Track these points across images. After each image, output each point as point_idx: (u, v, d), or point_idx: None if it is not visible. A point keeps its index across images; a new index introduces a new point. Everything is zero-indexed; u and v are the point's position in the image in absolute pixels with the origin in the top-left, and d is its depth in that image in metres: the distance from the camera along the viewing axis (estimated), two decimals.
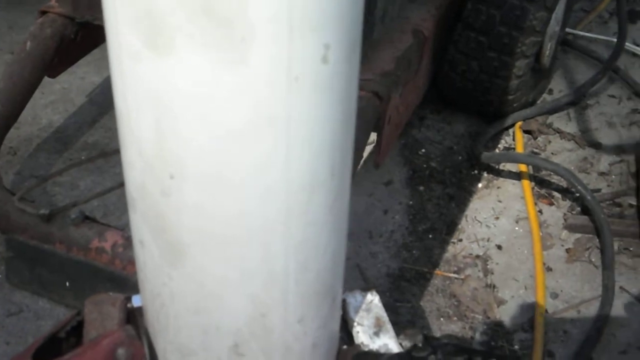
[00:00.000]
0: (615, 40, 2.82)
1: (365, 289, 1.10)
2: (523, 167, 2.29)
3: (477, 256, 2.03)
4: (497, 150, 2.43)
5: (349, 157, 0.67)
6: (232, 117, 0.56)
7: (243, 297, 0.68)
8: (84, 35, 2.05)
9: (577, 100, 2.67)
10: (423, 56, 2.15)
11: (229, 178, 0.59)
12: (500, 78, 2.25)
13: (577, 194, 2.15)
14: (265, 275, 0.67)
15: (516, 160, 2.27)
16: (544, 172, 2.27)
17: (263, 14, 0.51)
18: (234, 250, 0.65)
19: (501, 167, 2.34)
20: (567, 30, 3.02)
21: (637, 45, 3.09)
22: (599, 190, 2.27)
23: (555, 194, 2.24)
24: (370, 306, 1.01)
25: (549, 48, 2.53)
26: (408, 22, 2.09)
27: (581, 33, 3.08)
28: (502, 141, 2.48)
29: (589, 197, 2.05)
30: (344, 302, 1.06)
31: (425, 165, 2.35)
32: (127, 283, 1.53)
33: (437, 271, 1.97)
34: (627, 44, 2.97)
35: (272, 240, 0.64)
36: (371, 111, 1.80)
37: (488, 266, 2.00)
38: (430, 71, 2.34)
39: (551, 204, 2.21)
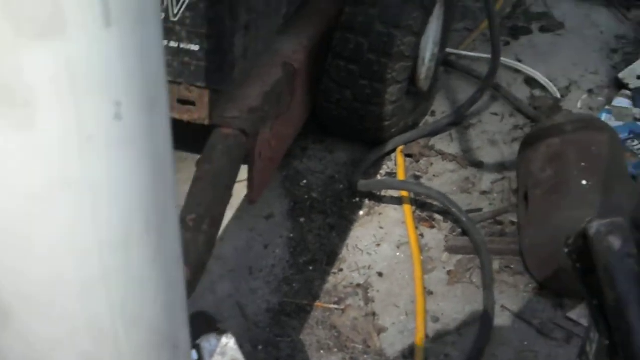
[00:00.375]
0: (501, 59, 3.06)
1: (220, 333, 1.23)
2: (404, 192, 2.47)
3: (358, 285, 2.17)
4: (378, 176, 2.59)
5: (168, 210, 0.71)
6: (28, 182, 0.59)
7: (74, 356, 0.72)
8: None
9: (459, 121, 2.86)
10: (295, 89, 2.30)
11: (39, 243, 0.62)
12: (374, 105, 2.42)
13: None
14: (94, 333, 0.70)
15: (391, 186, 2.44)
16: (424, 196, 2.45)
17: (41, 77, 0.53)
18: (58, 311, 0.68)
19: (383, 193, 2.51)
20: (450, 50, 3.24)
21: (519, 61, 3.33)
22: (480, 210, 2.46)
23: (437, 216, 2.41)
24: (226, 349, 1.13)
25: (425, 71, 2.72)
26: (278, 55, 2.24)
27: (464, 53, 3.29)
28: (385, 167, 2.64)
29: (464, 219, 2.22)
30: (198, 347, 1.19)
31: (306, 196, 2.49)
32: None
33: (317, 303, 2.11)
34: (508, 60, 3.21)
35: (95, 299, 0.67)
36: (238, 148, 1.94)
37: (369, 294, 2.15)
38: (306, 102, 2.49)
39: (432, 226, 2.38)
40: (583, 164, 2.08)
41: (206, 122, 1.91)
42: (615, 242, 1.07)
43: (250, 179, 2.01)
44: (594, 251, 1.08)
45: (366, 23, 2.26)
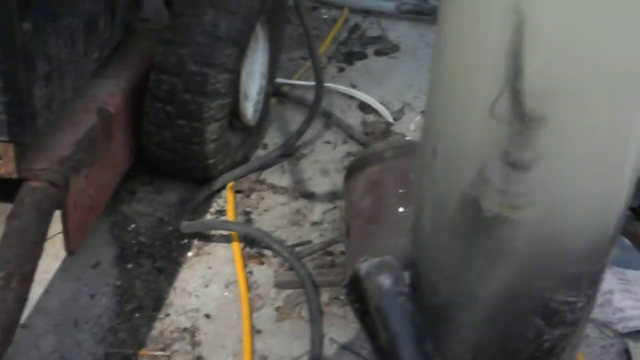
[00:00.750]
0: (330, 85, 3.27)
1: None
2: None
3: (185, 329, 2.30)
4: (208, 215, 2.74)
5: None
6: None
7: None
8: None
9: (291, 152, 3.03)
10: (113, 133, 2.42)
11: None
12: (195, 144, 2.56)
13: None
14: None
15: (211, 227, 2.58)
16: (245, 234, 2.61)
17: None
18: None
19: (212, 232, 2.66)
20: (283, 80, 3.42)
21: (354, 87, 3.55)
22: (310, 242, 2.64)
23: (267, 252, 2.56)
24: None
25: (252, 105, 2.89)
26: (93, 100, 2.34)
27: (297, 82, 3.48)
28: (215, 204, 2.78)
29: (285, 254, 2.40)
30: None
31: (134, 241, 2.60)
32: None
33: (143, 351, 2.23)
34: (342, 86, 3.41)
35: None
36: (47, 201, 2.05)
37: (196, 338, 2.28)
38: (129, 145, 2.62)
39: (262, 263, 2.54)
40: (401, 190, 2.23)
41: (14, 176, 2.01)
42: (385, 281, 1.21)
43: (65, 231, 2.10)
44: (366, 292, 1.23)
45: (178, 63, 2.40)
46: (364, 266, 1.06)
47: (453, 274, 1.02)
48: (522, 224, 0.92)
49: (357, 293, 1.10)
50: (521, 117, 0.83)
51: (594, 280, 1.02)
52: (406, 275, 1.08)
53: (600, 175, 0.89)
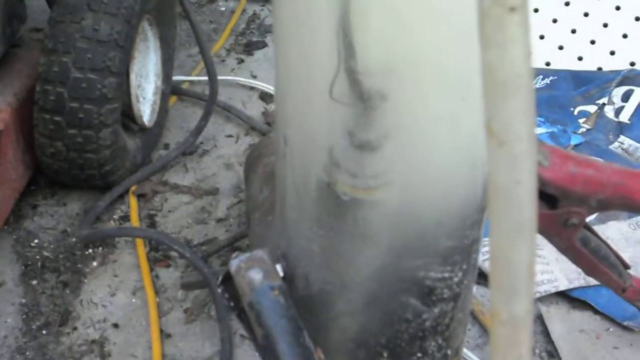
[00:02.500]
0: (230, 78, 3.21)
1: None
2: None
3: (93, 341, 2.22)
4: (112, 222, 2.66)
5: None
6: None
7: None
8: None
9: (193, 149, 2.98)
10: (4, 150, 2.34)
11: None
12: (90, 152, 2.47)
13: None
14: None
15: (109, 235, 2.51)
16: (145, 238, 2.53)
17: None
18: None
19: (116, 239, 2.58)
20: (181, 78, 3.35)
21: (254, 77, 3.49)
22: (215, 239, 2.58)
23: (173, 254, 2.51)
24: None
25: (148, 107, 2.81)
26: None
27: (197, 78, 3.41)
28: (118, 210, 2.71)
29: (187, 255, 2.33)
30: None
31: (38, 257, 2.51)
32: None
33: None
34: (242, 78, 3.35)
35: None
36: None
37: (105, 349, 2.21)
38: (25, 160, 2.53)
39: (168, 265, 2.47)
40: None
41: None
42: (256, 276, 1.16)
43: None
44: (239, 288, 1.17)
45: (62, 71, 2.32)
46: (234, 262, 1.01)
47: (322, 262, 0.97)
48: (380, 205, 0.87)
49: (231, 291, 1.04)
50: (360, 97, 0.79)
51: (468, 253, 0.99)
52: (279, 267, 1.02)
53: (452, 146, 0.84)
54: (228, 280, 1.16)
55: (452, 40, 0.83)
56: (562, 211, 1.18)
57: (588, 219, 1.25)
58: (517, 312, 0.60)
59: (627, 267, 1.43)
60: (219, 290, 1.18)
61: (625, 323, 2.09)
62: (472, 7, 0.54)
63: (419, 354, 1.14)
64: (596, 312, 2.17)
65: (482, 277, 2.11)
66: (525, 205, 0.57)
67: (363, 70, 0.82)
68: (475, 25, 0.54)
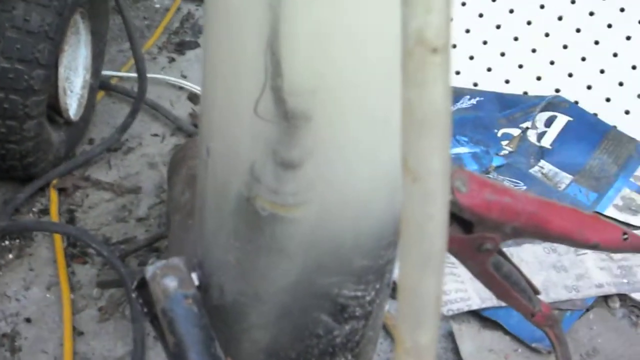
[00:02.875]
0: (159, 76, 3.19)
1: None
2: None
3: (4, 335, 2.18)
4: (31, 215, 2.61)
5: None
6: None
7: None
8: None
9: (117, 146, 2.94)
10: None
11: None
12: (12, 143, 2.42)
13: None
14: None
15: (25, 227, 2.46)
16: (63, 234, 2.49)
17: None
18: None
19: (34, 232, 2.54)
20: (110, 73, 3.30)
21: (184, 77, 3.47)
22: (134, 238, 2.56)
23: (91, 251, 2.48)
24: None
25: (75, 100, 2.77)
26: None
27: (126, 74, 3.37)
28: (38, 204, 2.66)
29: (105, 253, 2.30)
30: None
31: None
32: None
33: None
34: (171, 77, 3.33)
35: None
36: None
37: (16, 343, 2.17)
38: None
39: (85, 262, 2.44)
40: None
41: None
42: (171, 284, 1.16)
43: None
44: (153, 295, 1.17)
45: None
46: (150, 269, 1.00)
47: (238, 274, 0.97)
48: (298, 222, 0.88)
49: (145, 296, 1.03)
50: (285, 116, 0.79)
51: (382, 273, 1.00)
52: (194, 276, 1.01)
53: (372, 169, 0.85)
54: (143, 285, 1.15)
55: (374, 71, 0.84)
56: (476, 236, 1.21)
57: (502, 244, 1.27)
58: (422, 341, 0.61)
59: (537, 292, 1.46)
60: (134, 295, 1.18)
61: (534, 345, 2.14)
62: (396, 43, 0.55)
63: None
64: (506, 332, 2.21)
65: (396, 292, 2.13)
66: (435, 239, 0.58)
67: (289, 89, 0.83)
68: (397, 62, 0.55)
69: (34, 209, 2.58)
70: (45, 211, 2.58)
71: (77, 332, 2.15)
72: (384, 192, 0.99)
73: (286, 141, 0.89)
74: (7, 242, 2.43)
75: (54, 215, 2.54)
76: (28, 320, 2.18)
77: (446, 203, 0.57)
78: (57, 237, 2.41)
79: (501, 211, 1.21)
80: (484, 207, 1.20)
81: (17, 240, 2.44)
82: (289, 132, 0.88)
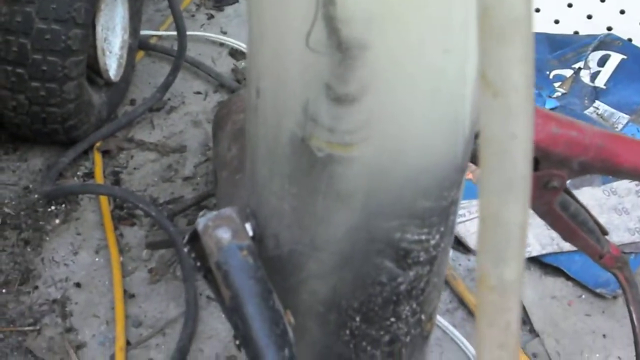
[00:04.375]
0: (199, 33, 3.14)
1: None
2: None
3: (54, 300, 2.17)
4: (75, 179, 2.59)
5: None
6: None
7: None
8: None
9: (160, 106, 2.91)
10: None
11: None
12: (53, 106, 2.40)
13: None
14: None
15: (70, 191, 2.44)
16: (110, 196, 2.47)
17: None
18: None
19: (80, 196, 2.52)
20: (149, 32, 3.26)
21: (224, 33, 3.41)
22: (181, 198, 2.53)
23: (138, 212, 2.45)
24: None
25: (114, 61, 2.73)
26: None
27: (165, 33, 3.33)
28: (82, 167, 2.64)
29: (153, 213, 2.27)
30: None
31: None
32: None
33: (11, 328, 2.10)
34: (211, 34, 3.28)
35: None
36: None
37: (67, 309, 2.15)
38: None
39: (133, 224, 2.41)
40: None
41: None
42: (224, 235, 1.11)
43: None
44: (206, 248, 1.12)
45: (25, 22, 2.24)
46: (202, 221, 0.95)
47: (293, 221, 0.92)
48: (357, 161, 0.83)
49: (197, 250, 0.98)
50: (338, 46, 0.73)
51: (446, 215, 0.94)
52: (248, 226, 0.96)
53: (435, 101, 0.80)
54: (195, 239, 1.11)
55: None
56: (542, 173, 1.14)
57: None
58: (507, 276, 0.55)
59: (605, 233, 1.40)
60: (186, 249, 1.13)
61: (598, 290, 2.08)
62: None
63: (392, 319, 1.10)
64: (569, 278, 2.15)
65: (455, 242, 2.08)
66: (519, 160, 0.52)
67: (342, 17, 0.77)
68: None
69: (78, 173, 2.56)
70: (89, 174, 2.56)
71: (128, 295, 2.13)
72: (444, 128, 0.94)
73: (341, 74, 0.83)
74: (53, 207, 2.41)
75: (99, 178, 2.51)
76: (78, 285, 2.16)
77: (531, 120, 0.51)
78: (104, 200, 2.39)
79: (568, 145, 1.15)
80: (550, 141, 1.14)
81: (63, 205, 2.42)
82: (344, 64, 0.83)
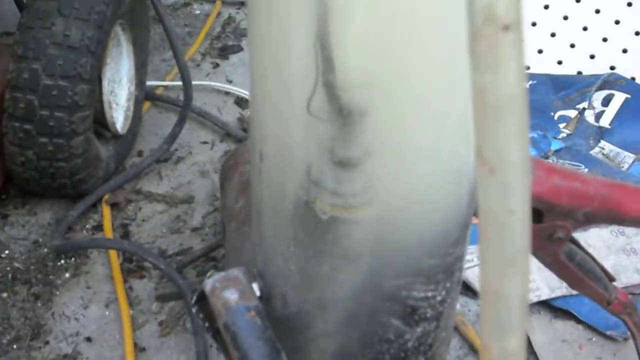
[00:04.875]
0: (205, 83, 3.17)
1: None
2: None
3: (65, 356, 2.17)
4: (84, 232, 2.61)
5: None
6: None
7: None
8: None
9: (167, 156, 2.93)
10: None
11: None
12: (61, 161, 2.42)
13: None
14: None
15: (79, 245, 2.45)
16: (118, 250, 2.48)
17: None
18: None
19: (89, 249, 2.53)
20: (155, 83, 3.29)
21: (230, 82, 3.44)
22: (190, 249, 2.53)
23: (147, 264, 2.46)
24: None
25: (121, 113, 2.76)
26: None
27: (171, 83, 3.36)
28: (91, 220, 2.65)
29: (162, 266, 2.28)
30: None
31: (8, 268, 2.46)
32: None
33: None
34: (217, 83, 3.31)
35: None
36: None
37: None
38: None
39: (142, 277, 2.42)
40: None
41: None
42: (232, 296, 1.12)
43: None
44: (214, 309, 1.13)
45: (32, 78, 2.26)
46: (209, 282, 0.96)
47: (300, 282, 0.93)
48: (361, 223, 0.83)
49: (206, 311, 0.99)
50: (339, 113, 0.75)
51: (452, 271, 0.95)
52: (255, 287, 0.97)
53: (433, 165, 0.80)
54: (203, 299, 1.12)
55: (433, 62, 0.79)
56: (547, 225, 1.15)
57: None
58: (510, 348, 0.56)
59: (612, 279, 1.40)
60: (194, 310, 1.14)
61: (608, 332, 2.07)
62: (457, 28, 0.50)
63: None
64: (579, 321, 2.14)
65: (463, 287, 2.08)
66: (518, 235, 0.53)
67: (342, 84, 0.78)
68: (463, 40, 0.50)
69: (87, 226, 2.57)
70: (98, 227, 2.56)
71: (138, 349, 2.13)
72: (447, 187, 0.94)
73: (342, 139, 0.84)
74: (62, 262, 2.42)
75: (108, 231, 2.52)
76: (88, 339, 2.16)
77: (528, 196, 0.52)
78: (113, 253, 2.40)
79: (571, 197, 1.16)
80: (553, 194, 1.14)
81: (73, 259, 2.43)
82: (345, 129, 0.84)
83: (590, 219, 1.17)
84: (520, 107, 0.50)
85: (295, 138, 0.90)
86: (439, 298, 1.08)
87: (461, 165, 0.93)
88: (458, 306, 2.11)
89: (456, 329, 2.10)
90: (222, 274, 1.11)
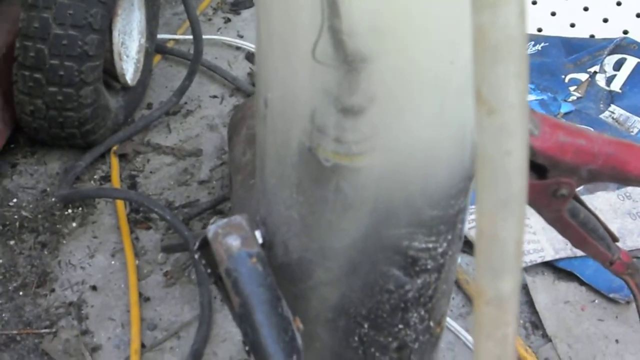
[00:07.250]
0: (216, 37, 3.16)
1: None
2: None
3: (71, 303, 2.19)
4: (92, 182, 2.62)
5: None
6: None
7: None
8: None
9: (176, 109, 2.93)
10: None
11: None
12: (70, 110, 2.42)
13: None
14: None
15: (87, 195, 2.46)
16: (125, 200, 2.49)
17: None
18: None
19: (97, 199, 2.54)
20: (166, 36, 3.28)
21: (241, 37, 3.43)
22: (197, 201, 2.54)
23: (154, 216, 2.47)
24: None
25: (131, 65, 2.76)
26: None
27: (182, 37, 3.35)
28: (99, 170, 2.66)
29: (168, 217, 2.29)
30: None
31: (16, 216, 2.47)
32: None
33: (27, 330, 2.13)
34: (227, 38, 3.29)
35: None
36: None
37: (82, 311, 2.18)
38: (4, 118, 2.48)
39: (149, 227, 2.43)
40: None
41: None
42: (234, 242, 1.12)
43: None
44: (216, 255, 1.13)
45: (42, 27, 2.26)
46: (212, 228, 0.96)
47: (302, 229, 0.93)
48: (364, 172, 0.84)
49: (208, 257, 0.99)
50: (344, 59, 0.75)
51: (454, 223, 0.95)
52: (258, 234, 0.98)
53: (441, 111, 0.81)
54: (205, 246, 1.12)
55: (439, 3, 0.79)
56: (551, 181, 1.15)
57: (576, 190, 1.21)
58: (504, 290, 0.56)
59: (615, 239, 1.40)
60: (196, 256, 1.14)
61: (611, 295, 2.07)
62: None
63: (401, 326, 1.11)
64: (582, 283, 2.15)
65: (467, 246, 2.08)
66: (514, 177, 0.53)
67: (347, 30, 0.78)
68: None
69: (95, 177, 2.58)
70: (106, 178, 2.57)
71: (143, 298, 2.14)
72: (452, 137, 0.94)
73: (347, 86, 0.84)
74: (69, 211, 2.43)
75: (116, 182, 2.53)
76: (94, 288, 2.18)
77: (526, 137, 0.52)
78: (120, 204, 2.41)
79: (576, 153, 1.15)
80: (558, 150, 1.14)
81: (80, 209, 2.44)
82: (350, 76, 0.83)
83: (595, 177, 1.17)
84: (520, 48, 0.50)
85: (300, 84, 0.90)
86: (440, 250, 1.09)
87: (466, 115, 0.93)
88: (463, 265, 2.12)
89: (459, 286, 2.11)
90: (225, 220, 1.12)
